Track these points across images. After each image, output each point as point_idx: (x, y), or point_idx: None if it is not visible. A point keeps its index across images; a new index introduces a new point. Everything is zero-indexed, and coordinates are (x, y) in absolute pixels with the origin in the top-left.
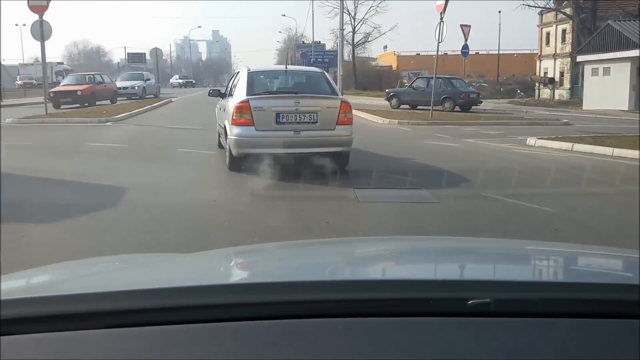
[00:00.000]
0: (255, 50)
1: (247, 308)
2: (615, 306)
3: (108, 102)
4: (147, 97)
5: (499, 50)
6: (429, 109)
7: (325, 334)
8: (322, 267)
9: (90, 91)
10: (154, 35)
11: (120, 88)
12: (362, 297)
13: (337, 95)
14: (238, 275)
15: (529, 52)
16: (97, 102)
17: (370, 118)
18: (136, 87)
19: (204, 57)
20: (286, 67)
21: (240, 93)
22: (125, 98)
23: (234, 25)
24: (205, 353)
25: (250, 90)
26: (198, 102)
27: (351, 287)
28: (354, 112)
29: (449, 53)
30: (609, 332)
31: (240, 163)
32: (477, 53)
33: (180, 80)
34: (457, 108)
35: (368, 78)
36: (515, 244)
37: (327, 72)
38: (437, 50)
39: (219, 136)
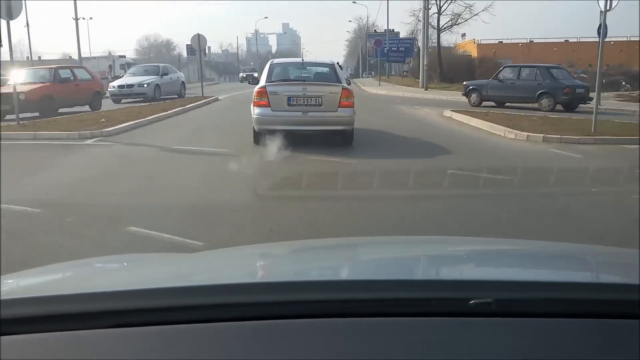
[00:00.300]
0: (325, 41)
1: (247, 308)
2: (615, 306)
3: (88, 107)
4: (162, 98)
5: (601, 36)
6: (522, 108)
7: (327, 334)
8: (323, 267)
9: (42, 94)
10: (223, 29)
11: (121, 86)
12: (364, 297)
13: (341, 83)
14: (238, 275)
15: (624, 39)
16: (66, 109)
17: (487, 128)
18: (145, 85)
19: (273, 49)
20: (302, 60)
21: (261, 81)
22: (131, 100)
23: (303, 16)
24: (206, 353)
25: (269, 79)
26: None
27: (352, 287)
28: (461, 119)
29: (536, 40)
30: (609, 332)
31: (261, 137)
32: (566, 41)
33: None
34: (558, 107)
35: (455, 69)
36: (516, 243)
37: (404, 62)
38: (604, 21)
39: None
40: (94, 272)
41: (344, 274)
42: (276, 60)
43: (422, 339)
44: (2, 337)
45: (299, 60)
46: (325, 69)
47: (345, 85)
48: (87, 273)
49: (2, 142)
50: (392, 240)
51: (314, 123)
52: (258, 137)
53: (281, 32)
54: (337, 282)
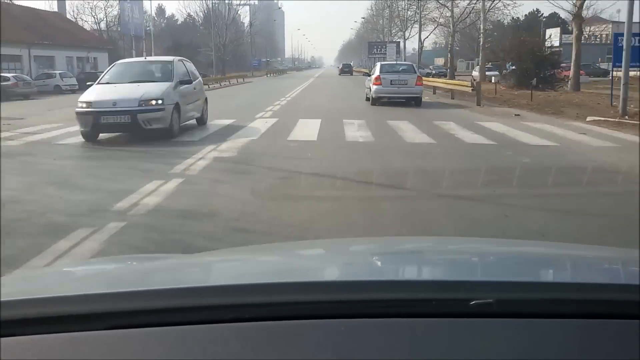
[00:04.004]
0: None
1: (249, 309)
2: (615, 306)
3: None
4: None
5: None
6: None
7: (327, 335)
8: (324, 267)
9: None
10: None
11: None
12: (365, 297)
13: (416, 72)
14: (240, 276)
15: None
16: None
17: None
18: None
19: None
20: (396, 61)
21: (376, 72)
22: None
23: None
24: (207, 354)
25: (381, 71)
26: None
27: (353, 288)
28: None
29: None
30: (609, 332)
31: (376, 102)
32: None
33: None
34: None
35: None
36: (516, 244)
37: None
38: None
39: (366, 95)
40: (94, 273)
41: (345, 275)
42: (382, 62)
43: (423, 339)
44: (2, 339)
45: (395, 61)
46: (408, 66)
47: (419, 73)
48: (87, 274)
49: None
50: (393, 240)
51: (402, 93)
52: (374, 101)
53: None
54: (337, 282)
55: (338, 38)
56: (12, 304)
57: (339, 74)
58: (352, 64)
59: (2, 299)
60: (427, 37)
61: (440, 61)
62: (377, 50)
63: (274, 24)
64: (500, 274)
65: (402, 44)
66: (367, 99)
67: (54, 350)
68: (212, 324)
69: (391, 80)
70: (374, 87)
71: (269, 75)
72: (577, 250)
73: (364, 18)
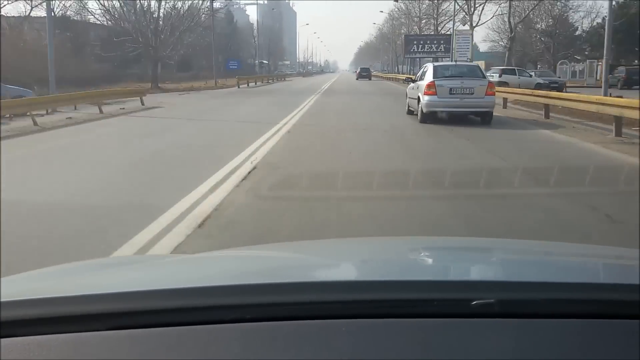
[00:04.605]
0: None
1: (249, 309)
2: (616, 306)
3: None
4: None
5: None
6: None
7: (329, 335)
8: (325, 267)
9: None
10: None
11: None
12: (366, 298)
13: (485, 77)
14: (240, 276)
15: None
16: None
17: None
18: None
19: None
20: (455, 62)
21: (428, 77)
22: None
23: None
24: (208, 354)
25: (435, 75)
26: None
27: (355, 288)
28: None
29: None
30: (609, 332)
31: (428, 118)
32: None
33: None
34: None
35: None
36: (517, 244)
37: None
38: None
39: (408, 106)
40: (94, 274)
41: (345, 275)
42: (436, 64)
43: (425, 339)
44: (3, 340)
45: (452, 63)
46: (473, 68)
47: (489, 79)
48: (87, 275)
49: None
50: (394, 240)
51: (467, 106)
52: (425, 116)
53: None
54: (338, 283)
55: (354, 41)
56: (12, 304)
57: (357, 79)
58: (370, 68)
59: (2, 299)
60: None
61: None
62: (419, 47)
63: (284, 25)
64: (502, 274)
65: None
66: (410, 112)
67: (54, 350)
68: (213, 325)
69: (451, 89)
70: (425, 98)
71: (239, 86)
72: (578, 250)
73: (382, 11)
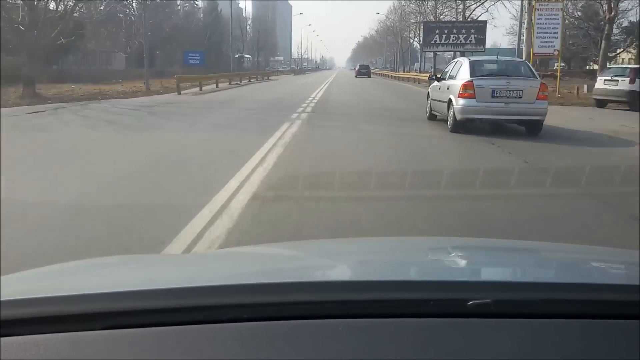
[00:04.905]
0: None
1: (247, 309)
2: (615, 307)
3: None
4: None
5: None
6: None
7: (326, 335)
8: (322, 267)
9: None
10: None
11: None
12: (363, 297)
13: (537, 77)
14: (238, 276)
15: None
16: None
17: None
18: None
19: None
20: (497, 57)
21: (463, 74)
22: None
23: None
24: (206, 354)
25: (472, 73)
26: None
27: (352, 288)
28: None
29: None
30: (609, 332)
31: (461, 126)
32: None
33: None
34: None
35: None
36: (515, 244)
37: None
38: None
39: (430, 109)
40: (94, 273)
41: (343, 275)
42: (473, 58)
43: (421, 339)
44: (2, 339)
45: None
46: (520, 65)
47: (541, 80)
48: (86, 274)
49: None
50: (391, 240)
51: (514, 113)
52: (458, 125)
53: None
54: (335, 282)
55: (351, 38)
56: (12, 303)
57: (356, 76)
58: (369, 65)
59: (2, 299)
60: None
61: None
62: (442, 38)
63: (278, 18)
64: (498, 274)
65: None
66: (433, 116)
67: (54, 350)
68: (211, 324)
69: (494, 91)
70: (460, 102)
71: (179, 92)
72: (577, 250)
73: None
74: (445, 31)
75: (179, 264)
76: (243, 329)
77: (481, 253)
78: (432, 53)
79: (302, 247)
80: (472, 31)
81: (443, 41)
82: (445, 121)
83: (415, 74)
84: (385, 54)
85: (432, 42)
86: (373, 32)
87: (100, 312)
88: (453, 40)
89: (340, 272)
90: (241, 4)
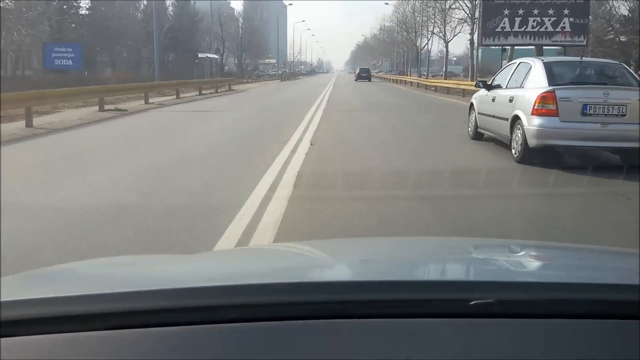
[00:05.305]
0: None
1: (249, 309)
2: (615, 307)
3: None
4: None
5: None
6: None
7: (328, 336)
8: (324, 267)
9: None
10: None
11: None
12: (365, 298)
13: None
14: (239, 276)
15: None
16: None
17: None
18: None
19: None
20: (581, 58)
21: (537, 81)
22: None
23: None
24: (207, 354)
25: (551, 80)
26: None
27: (353, 289)
28: None
29: None
30: (609, 332)
31: (533, 155)
32: None
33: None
34: None
35: None
36: (516, 244)
37: None
38: None
39: (476, 125)
40: (94, 273)
41: (344, 275)
42: (546, 59)
43: (423, 340)
44: (3, 339)
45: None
46: (615, 69)
47: None
48: (87, 274)
49: None
50: (392, 240)
51: (615, 138)
52: (530, 154)
53: None
54: (336, 283)
55: (350, 40)
56: (12, 304)
57: (356, 80)
58: (369, 68)
59: (2, 299)
60: None
61: None
62: (513, 24)
63: (271, 18)
64: (500, 274)
65: None
66: (479, 135)
67: (54, 350)
68: (212, 324)
69: (585, 105)
70: (534, 122)
71: None
72: (577, 250)
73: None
74: (520, 12)
75: (181, 264)
76: (244, 330)
77: (482, 253)
78: (443, 52)
79: (303, 247)
80: (566, 12)
81: (517, 28)
82: (496, 140)
83: (431, 79)
84: (396, 51)
85: (498, 29)
86: (375, 31)
87: (101, 312)
88: (533, 28)
89: (341, 272)
90: (232, 4)
